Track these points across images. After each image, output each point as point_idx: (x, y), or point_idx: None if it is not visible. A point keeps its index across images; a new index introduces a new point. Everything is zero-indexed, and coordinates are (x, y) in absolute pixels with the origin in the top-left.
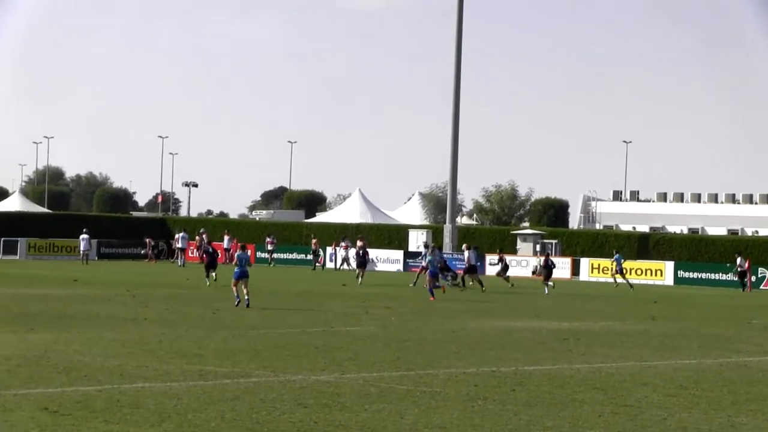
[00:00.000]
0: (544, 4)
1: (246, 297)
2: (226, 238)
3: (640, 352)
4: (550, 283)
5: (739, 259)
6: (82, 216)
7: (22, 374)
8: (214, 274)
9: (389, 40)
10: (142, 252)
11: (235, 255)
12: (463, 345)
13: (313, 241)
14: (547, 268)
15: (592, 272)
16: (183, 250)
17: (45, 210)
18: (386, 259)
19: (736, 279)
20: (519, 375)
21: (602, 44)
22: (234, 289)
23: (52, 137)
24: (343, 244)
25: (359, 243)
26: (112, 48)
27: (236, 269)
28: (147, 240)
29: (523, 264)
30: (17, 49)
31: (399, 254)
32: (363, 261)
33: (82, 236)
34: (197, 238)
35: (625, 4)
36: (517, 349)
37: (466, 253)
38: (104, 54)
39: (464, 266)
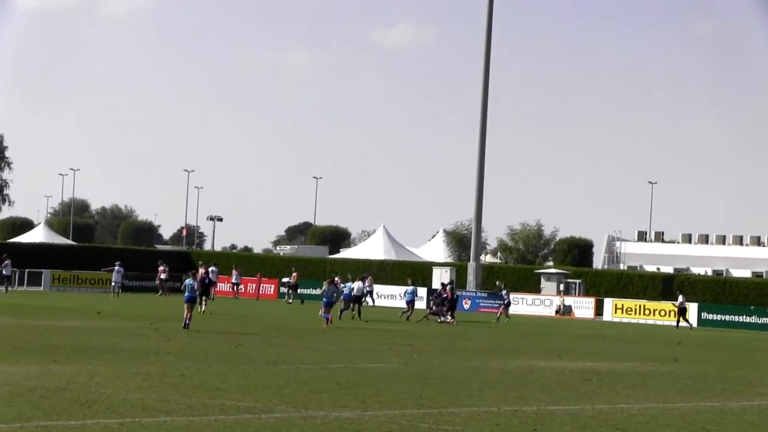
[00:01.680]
0: (571, 45)
1: (189, 320)
2: (234, 273)
3: (663, 393)
4: (449, 318)
5: None
6: (107, 248)
7: (44, 406)
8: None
9: (417, 77)
10: (157, 283)
11: (185, 282)
12: (485, 383)
13: (294, 274)
14: (451, 301)
15: (615, 312)
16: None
17: (69, 242)
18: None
19: (760, 321)
20: (541, 415)
21: (630, 85)
22: (186, 312)
23: (78, 169)
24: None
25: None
26: (138, 80)
27: (186, 294)
28: (160, 268)
29: (546, 303)
30: (43, 79)
31: (422, 291)
32: (359, 296)
33: (116, 268)
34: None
35: (655, 44)
36: (539, 389)
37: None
38: (131, 86)
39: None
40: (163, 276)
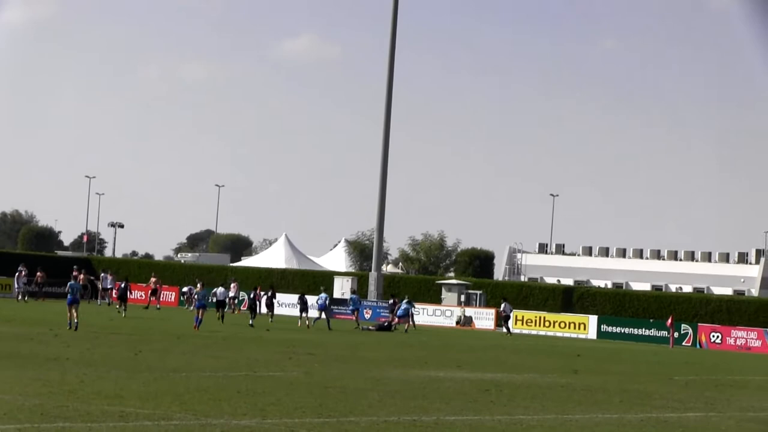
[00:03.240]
0: (473, 53)
1: (76, 321)
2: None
3: (562, 405)
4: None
5: None
6: (7, 254)
7: None
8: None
9: (320, 89)
10: (16, 285)
11: (68, 284)
12: (386, 393)
13: (199, 284)
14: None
15: (516, 324)
16: (107, 290)
17: None
18: (311, 305)
19: (659, 335)
20: (440, 425)
21: (532, 94)
22: (68, 313)
23: None
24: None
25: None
26: (40, 85)
27: (69, 296)
28: (20, 269)
29: (447, 314)
30: None
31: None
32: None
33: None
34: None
35: (556, 51)
36: (439, 399)
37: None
38: (33, 91)
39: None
40: (23, 280)
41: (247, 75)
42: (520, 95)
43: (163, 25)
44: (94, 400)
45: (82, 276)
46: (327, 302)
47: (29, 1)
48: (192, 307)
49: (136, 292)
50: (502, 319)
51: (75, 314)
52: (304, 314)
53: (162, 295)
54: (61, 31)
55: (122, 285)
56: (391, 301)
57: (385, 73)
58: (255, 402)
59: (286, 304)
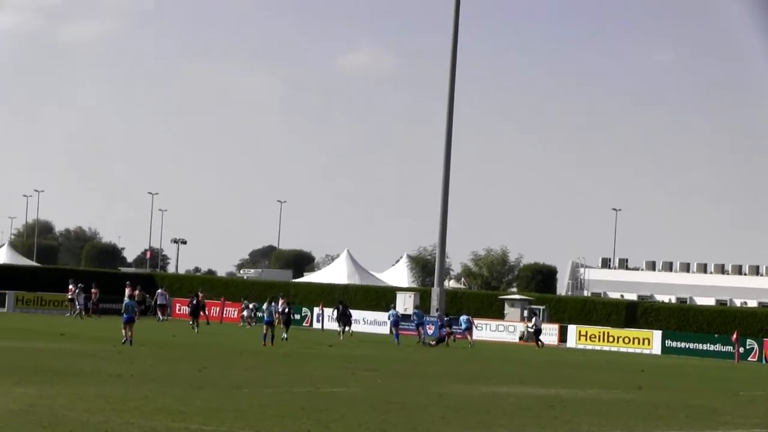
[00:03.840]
0: (536, 70)
1: (131, 338)
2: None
3: (626, 421)
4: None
5: None
6: (71, 270)
7: (7, 429)
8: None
9: (382, 104)
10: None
11: (124, 303)
12: (448, 409)
13: (200, 294)
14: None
15: (579, 339)
16: (162, 306)
17: (34, 263)
18: (373, 321)
19: (723, 350)
20: None
21: (594, 112)
22: (123, 331)
23: (43, 191)
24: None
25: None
26: (104, 103)
27: (125, 315)
28: (71, 287)
29: (510, 329)
30: (8, 101)
31: (386, 316)
32: (288, 318)
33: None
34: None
35: (616, 73)
36: (502, 415)
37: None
38: (96, 109)
39: None
40: (70, 295)
41: (309, 88)
42: (582, 106)
43: (225, 40)
44: (158, 417)
45: (137, 292)
46: (399, 318)
47: (90, 17)
48: (242, 324)
49: (185, 307)
50: (533, 333)
51: (131, 333)
52: (347, 327)
53: (225, 311)
54: (122, 47)
55: (194, 301)
56: (437, 313)
57: (446, 86)
58: (318, 418)
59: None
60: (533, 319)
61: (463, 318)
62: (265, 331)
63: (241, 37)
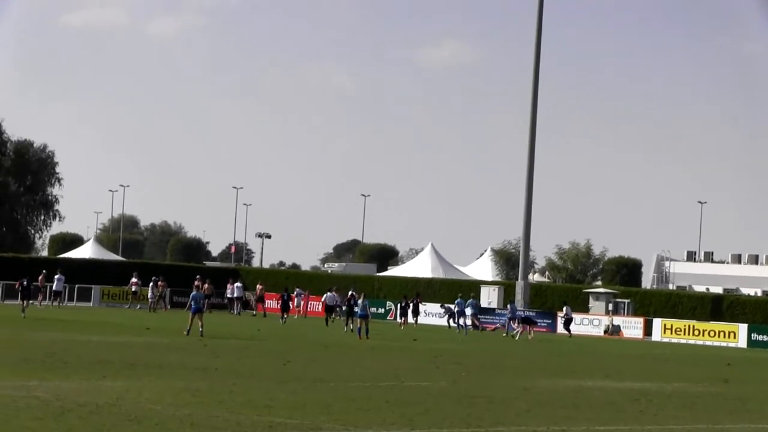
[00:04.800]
0: (620, 63)
1: (201, 328)
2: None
3: (713, 414)
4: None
5: None
6: (156, 265)
7: (94, 422)
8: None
9: (464, 96)
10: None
11: (191, 294)
12: (534, 403)
13: (259, 287)
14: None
15: (664, 333)
16: (238, 299)
17: (119, 258)
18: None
19: None
20: None
21: (679, 104)
22: (190, 320)
23: (128, 186)
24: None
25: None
26: (189, 98)
27: (192, 306)
28: (134, 279)
29: (595, 323)
30: (93, 97)
31: (470, 310)
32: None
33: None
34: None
35: (702, 67)
36: (588, 409)
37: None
38: (181, 104)
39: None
40: (134, 288)
41: (390, 81)
42: (668, 100)
43: (308, 35)
44: (244, 410)
45: (206, 286)
46: (464, 308)
47: (178, 12)
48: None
49: (269, 301)
50: (564, 323)
51: (200, 322)
52: (409, 319)
53: (309, 306)
54: (206, 41)
55: (284, 296)
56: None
57: (530, 79)
58: (403, 412)
59: (432, 313)
60: (564, 309)
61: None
62: (359, 325)
63: (323, 33)
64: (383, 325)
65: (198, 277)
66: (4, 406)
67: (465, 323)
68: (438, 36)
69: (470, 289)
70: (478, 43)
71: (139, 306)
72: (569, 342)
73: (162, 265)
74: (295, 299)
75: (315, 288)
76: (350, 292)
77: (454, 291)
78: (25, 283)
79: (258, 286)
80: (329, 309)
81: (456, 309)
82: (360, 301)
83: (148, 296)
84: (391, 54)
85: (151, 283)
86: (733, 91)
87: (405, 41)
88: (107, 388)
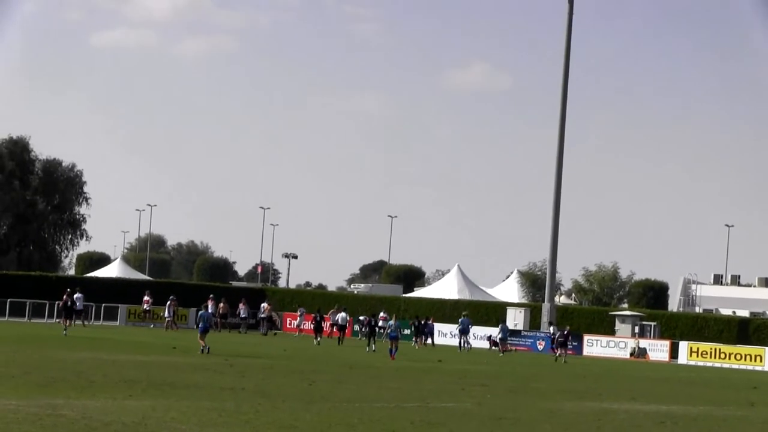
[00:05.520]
0: (648, 84)
1: (207, 347)
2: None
3: None
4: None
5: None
6: (183, 284)
7: None
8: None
9: (492, 118)
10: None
11: (199, 314)
12: (559, 425)
13: (267, 306)
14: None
15: (690, 356)
16: (265, 319)
17: (146, 277)
18: (483, 336)
19: None
20: None
21: (706, 129)
22: (201, 341)
23: (155, 205)
24: (382, 315)
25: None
26: (216, 119)
27: (200, 325)
28: (147, 298)
29: (621, 345)
30: (121, 117)
31: (496, 332)
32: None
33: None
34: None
35: (728, 88)
36: None
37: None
38: (209, 125)
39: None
40: (146, 306)
41: (418, 104)
42: (697, 123)
43: (337, 56)
44: (269, 431)
45: (222, 305)
46: (468, 326)
47: (207, 33)
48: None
49: (295, 321)
50: (556, 344)
51: (204, 342)
52: (423, 339)
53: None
54: (236, 63)
55: (317, 317)
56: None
57: (557, 101)
58: None
59: (453, 333)
60: (555, 330)
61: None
62: (390, 346)
63: (352, 55)
64: (404, 346)
65: (211, 296)
66: (30, 423)
67: (467, 342)
68: (467, 58)
69: (496, 311)
70: (507, 66)
71: (152, 325)
72: (595, 364)
73: (188, 284)
74: (297, 318)
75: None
76: (372, 315)
77: (480, 312)
78: (69, 302)
79: (264, 305)
80: (341, 327)
81: (459, 328)
82: (392, 323)
83: (165, 315)
84: (420, 76)
85: (168, 302)
86: (762, 113)
87: (434, 64)
88: (133, 407)
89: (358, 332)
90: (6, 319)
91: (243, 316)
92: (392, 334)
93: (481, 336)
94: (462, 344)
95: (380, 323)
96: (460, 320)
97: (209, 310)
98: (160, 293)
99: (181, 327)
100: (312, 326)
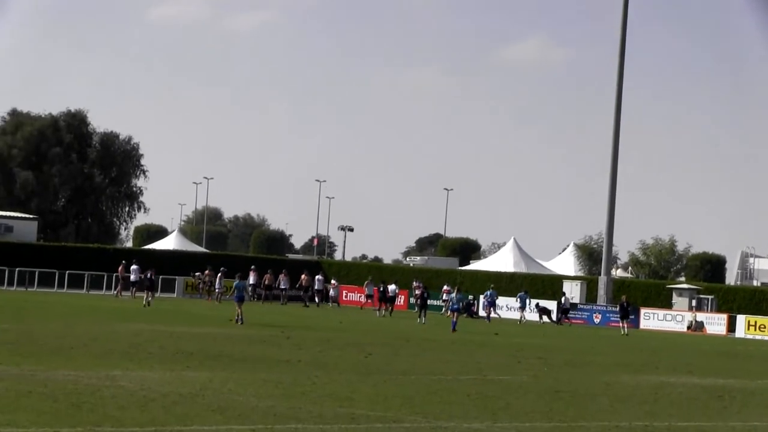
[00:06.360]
0: (703, 62)
1: (240, 316)
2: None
3: None
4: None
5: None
6: (239, 257)
7: (178, 412)
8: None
9: (546, 90)
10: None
11: (234, 284)
12: (616, 398)
13: (304, 277)
14: (422, 299)
15: (748, 329)
16: (320, 291)
17: (203, 249)
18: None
19: None
20: (672, 431)
21: (765, 96)
22: (237, 309)
23: (212, 178)
24: (415, 284)
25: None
26: (270, 93)
27: (236, 294)
28: (198, 274)
29: (678, 319)
30: (177, 90)
31: (553, 305)
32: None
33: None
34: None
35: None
36: (670, 405)
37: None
38: (263, 98)
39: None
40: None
41: (473, 78)
42: (751, 97)
43: (389, 33)
44: (326, 403)
45: (268, 276)
46: (495, 298)
47: (260, 8)
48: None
49: (351, 294)
50: (542, 312)
51: (239, 311)
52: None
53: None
54: (284, 39)
55: (381, 288)
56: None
57: (615, 75)
58: (485, 405)
59: (515, 308)
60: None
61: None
62: (454, 318)
63: (404, 32)
64: (464, 320)
65: (253, 267)
66: (89, 395)
67: (489, 314)
68: (523, 33)
69: (552, 283)
70: (564, 40)
71: (209, 297)
72: (652, 338)
73: (245, 257)
74: (331, 290)
75: (400, 281)
76: (421, 285)
77: (537, 286)
78: (148, 275)
79: (303, 276)
80: (390, 299)
81: (485, 300)
82: (454, 295)
83: (216, 287)
84: (475, 51)
85: (219, 274)
86: None
87: (488, 39)
88: (190, 378)
89: (414, 304)
90: (65, 290)
91: (283, 287)
92: (454, 306)
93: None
94: (488, 315)
95: (444, 296)
96: (488, 292)
97: (251, 281)
98: (217, 266)
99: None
100: (377, 298)
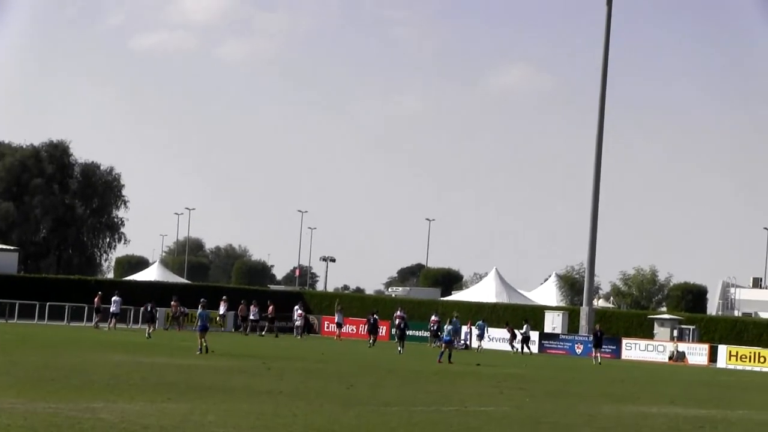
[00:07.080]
0: (685, 87)
1: (206, 344)
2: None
3: None
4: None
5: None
6: (221, 288)
7: None
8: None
9: (529, 121)
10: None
11: (198, 313)
12: (598, 429)
13: (270, 307)
14: (400, 329)
15: (729, 359)
16: (301, 322)
17: (184, 280)
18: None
19: None
20: None
21: (744, 132)
22: (199, 340)
23: (194, 209)
24: (398, 313)
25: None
26: (254, 122)
27: (200, 324)
28: (173, 302)
29: (659, 349)
30: (160, 120)
31: (534, 335)
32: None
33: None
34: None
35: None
36: None
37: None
38: (246, 128)
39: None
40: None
41: (456, 107)
42: (733, 124)
43: (373, 59)
44: None
45: (241, 306)
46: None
47: (247, 37)
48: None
49: (333, 325)
50: (522, 340)
51: (202, 341)
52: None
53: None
54: (274, 67)
55: (371, 319)
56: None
57: (596, 106)
58: None
59: (497, 338)
60: (524, 327)
61: (478, 324)
62: (443, 349)
63: (388, 58)
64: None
65: (224, 298)
66: (69, 427)
67: (479, 346)
68: (505, 60)
69: (534, 314)
70: (546, 67)
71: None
72: (634, 368)
73: (227, 288)
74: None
75: (380, 312)
76: (399, 314)
77: (519, 316)
78: (149, 308)
79: (297, 309)
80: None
81: (449, 328)
82: (446, 327)
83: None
84: (458, 78)
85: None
86: None
87: (472, 65)
88: (171, 410)
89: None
90: (45, 322)
91: (252, 318)
92: (446, 338)
93: (517, 340)
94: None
95: (432, 327)
96: (477, 324)
97: (221, 311)
98: (198, 297)
99: (215, 330)
100: (366, 329)
